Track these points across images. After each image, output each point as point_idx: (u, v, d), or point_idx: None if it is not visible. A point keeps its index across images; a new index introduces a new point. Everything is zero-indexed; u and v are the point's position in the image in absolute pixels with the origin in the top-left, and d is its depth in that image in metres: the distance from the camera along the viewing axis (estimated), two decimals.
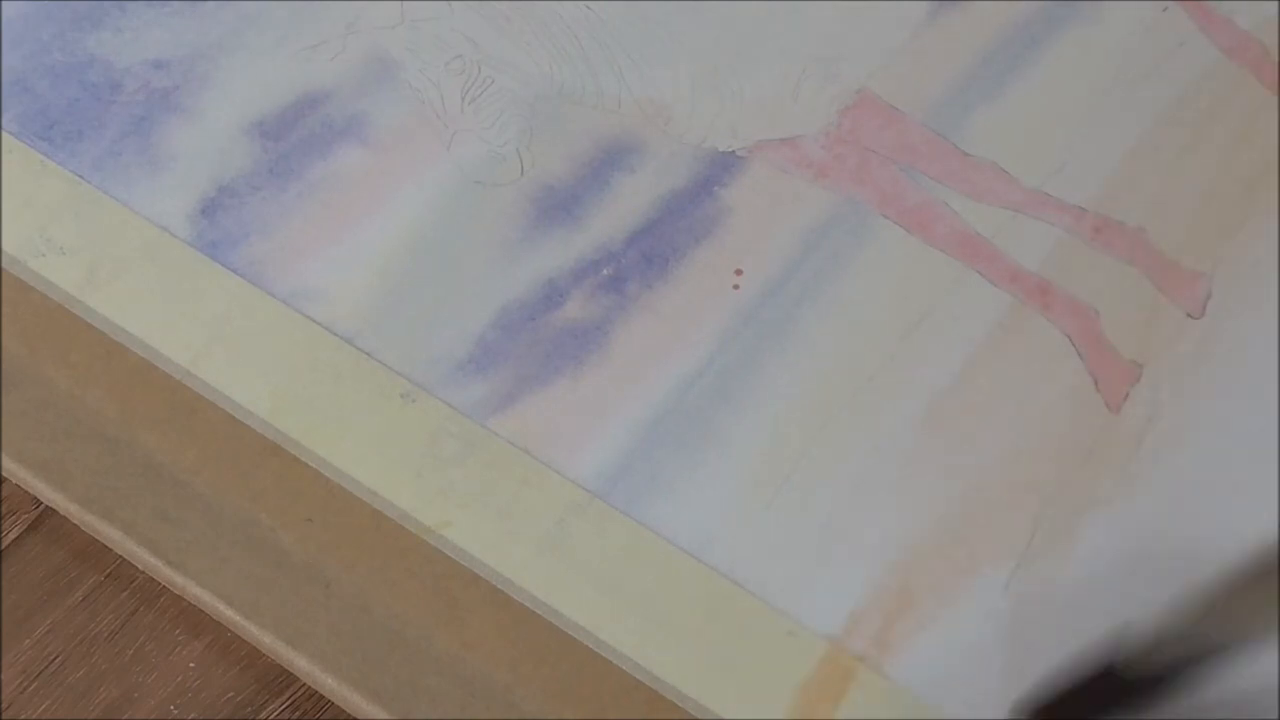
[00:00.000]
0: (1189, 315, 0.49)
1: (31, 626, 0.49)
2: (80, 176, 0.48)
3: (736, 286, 0.48)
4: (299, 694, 0.48)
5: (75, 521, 0.49)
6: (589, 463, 0.46)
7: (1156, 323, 0.49)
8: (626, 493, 0.45)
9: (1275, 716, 0.44)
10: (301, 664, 0.46)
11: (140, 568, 0.49)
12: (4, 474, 0.50)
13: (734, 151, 0.51)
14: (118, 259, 0.47)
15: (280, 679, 0.48)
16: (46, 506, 0.50)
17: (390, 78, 0.51)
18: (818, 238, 0.49)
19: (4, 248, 0.47)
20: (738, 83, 0.52)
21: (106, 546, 0.49)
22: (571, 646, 0.44)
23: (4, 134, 0.48)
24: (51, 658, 0.49)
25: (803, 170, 0.50)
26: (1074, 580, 0.45)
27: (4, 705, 0.48)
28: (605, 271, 0.48)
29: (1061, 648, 0.44)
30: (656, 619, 0.44)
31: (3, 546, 0.50)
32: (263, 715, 0.48)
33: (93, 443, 0.49)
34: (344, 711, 0.46)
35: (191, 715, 0.47)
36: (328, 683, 0.46)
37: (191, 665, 0.48)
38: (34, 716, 0.48)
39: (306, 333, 0.47)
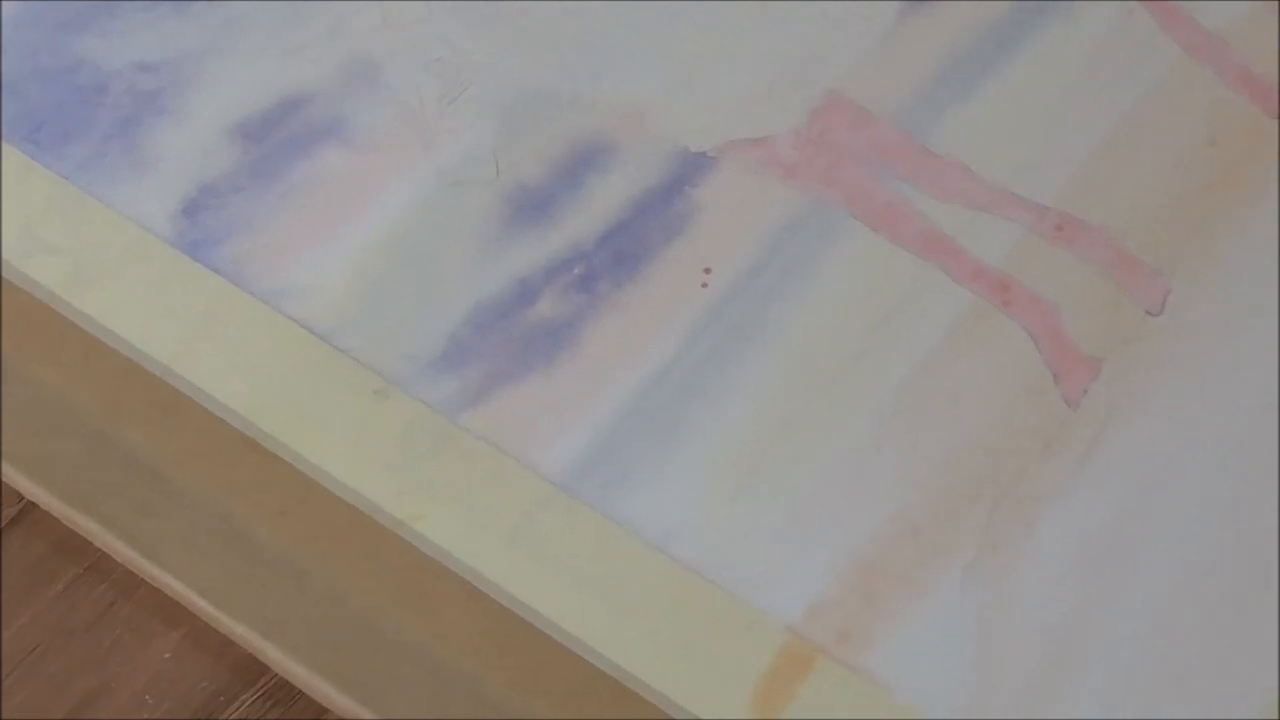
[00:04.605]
0: (1149, 313, 0.50)
1: (12, 618, 0.50)
2: (67, 178, 0.50)
3: (705, 285, 0.49)
4: (270, 683, 0.49)
5: (57, 515, 0.50)
6: (558, 458, 0.47)
7: (1116, 320, 0.50)
8: (595, 487, 0.46)
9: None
10: (273, 654, 0.47)
11: (119, 560, 0.50)
12: None
13: (705, 151, 0.51)
14: (103, 259, 0.48)
15: (253, 669, 0.49)
16: (29, 501, 0.51)
17: (371, 80, 0.52)
18: (787, 237, 0.50)
19: None
20: (711, 83, 0.53)
21: (86, 539, 0.50)
22: (539, 638, 0.45)
23: None
24: (31, 648, 0.50)
25: (773, 170, 0.51)
26: (1031, 572, 0.46)
27: None
28: (577, 270, 0.49)
29: (1020, 638, 0.45)
30: (622, 611, 0.45)
31: None
32: (235, 704, 0.49)
33: (76, 439, 0.50)
34: (315, 701, 0.48)
35: (166, 705, 0.48)
36: (299, 673, 0.47)
37: (167, 656, 0.49)
38: (13, 705, 0.49)
39: (285, 331, 0.48)
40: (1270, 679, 0.45)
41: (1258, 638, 0.45)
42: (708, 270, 0.50)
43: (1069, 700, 0.45)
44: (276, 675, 0.48)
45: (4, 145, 0.50)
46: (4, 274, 0.48)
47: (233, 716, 0.49)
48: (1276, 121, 0.53)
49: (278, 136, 0.51)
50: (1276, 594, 0.46)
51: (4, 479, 0.51)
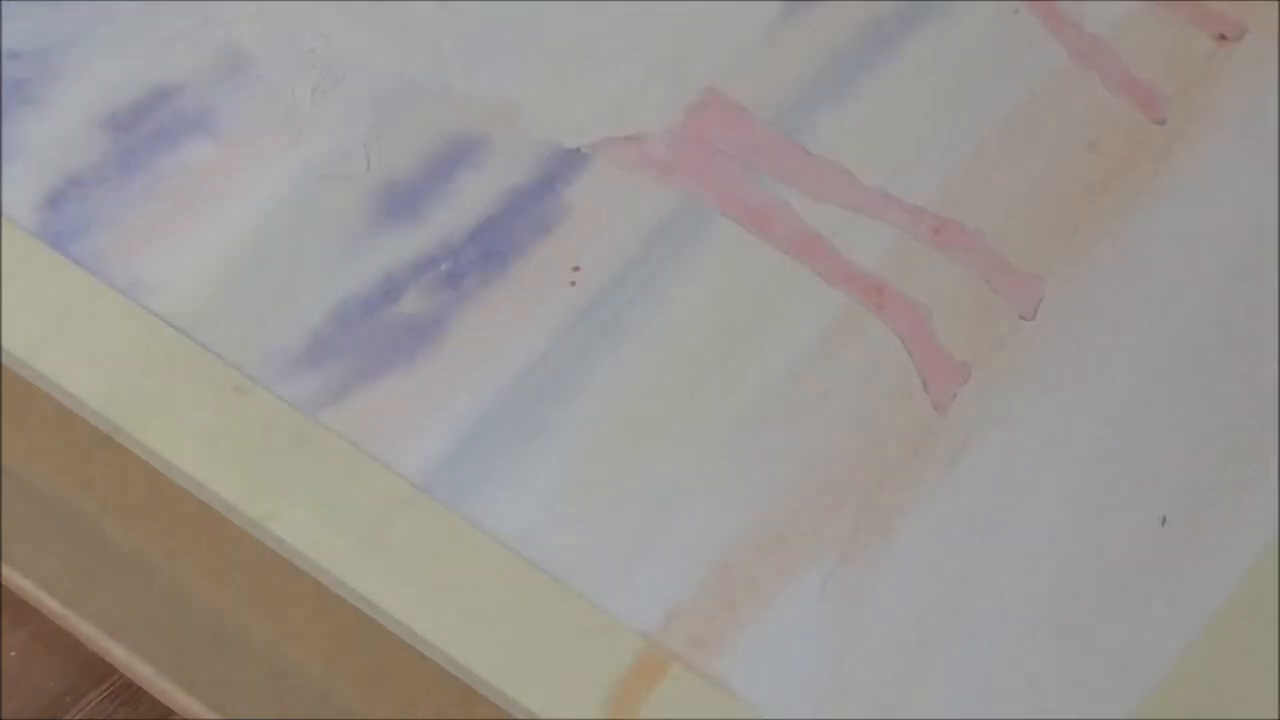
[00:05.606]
0: (1021, 317, 0.49)
1: None
2: None
3: (573, 283, 0.49)
4: (117, 683, 0.48)
5: None
6: (417, 457, 0.46)
7: (989, 324, 0.49)
8: (453, 487, 0.46)
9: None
10: (119, 654, 0.46)
11: None
12: None
13: (579, 148, 0.51)
14: None
15: (100, 668, 0.48)
16: None
17: (242, 71, 0.51)
18: (658, 236, 0.50)
19: None
20: (587, 79, 0.52)
21: None
22: (389, 640, 0.45)
23: None
24: None
25: (647, 168, 0.51)
26: (890, 579, 0.45)
27: None
28: (443, 267, 0.49)
29: (876, 646, 0.45)
30: (475, 614, 0.44)
31: None
32: (80, 704, 0.48)
33: None
34: (161, 702, 0.47)
35: (11, 704, 0.48)
36: (145, 673, 0.46)
37: (13, 654, 0.48)
38: None
39: (145, 325, 0.47)
40: (1129, 687, 0.44)
41: (1116, 646, 0.45)
42: (577, 269, 0.49)
43: (922, 709, 0.44)
44: (123, 675, 0.47)
45: None
46: None
47: (78, 716, 0.48)
48: (1158, 126, 0.52)
49: (145, 128, 0.50)
50: (1137, 603, 0.45)
51: None
